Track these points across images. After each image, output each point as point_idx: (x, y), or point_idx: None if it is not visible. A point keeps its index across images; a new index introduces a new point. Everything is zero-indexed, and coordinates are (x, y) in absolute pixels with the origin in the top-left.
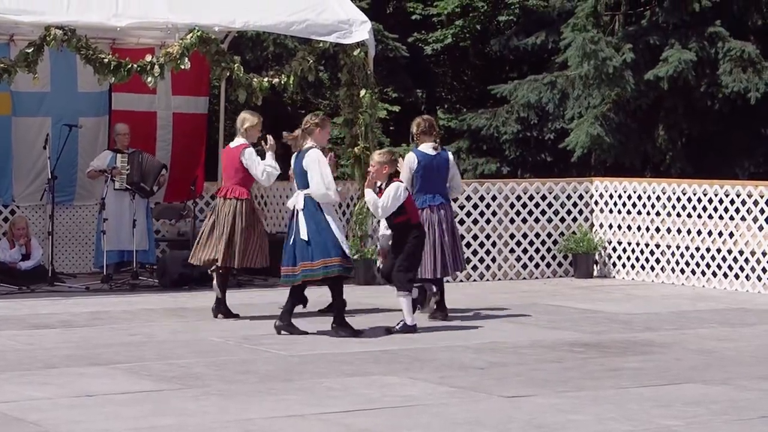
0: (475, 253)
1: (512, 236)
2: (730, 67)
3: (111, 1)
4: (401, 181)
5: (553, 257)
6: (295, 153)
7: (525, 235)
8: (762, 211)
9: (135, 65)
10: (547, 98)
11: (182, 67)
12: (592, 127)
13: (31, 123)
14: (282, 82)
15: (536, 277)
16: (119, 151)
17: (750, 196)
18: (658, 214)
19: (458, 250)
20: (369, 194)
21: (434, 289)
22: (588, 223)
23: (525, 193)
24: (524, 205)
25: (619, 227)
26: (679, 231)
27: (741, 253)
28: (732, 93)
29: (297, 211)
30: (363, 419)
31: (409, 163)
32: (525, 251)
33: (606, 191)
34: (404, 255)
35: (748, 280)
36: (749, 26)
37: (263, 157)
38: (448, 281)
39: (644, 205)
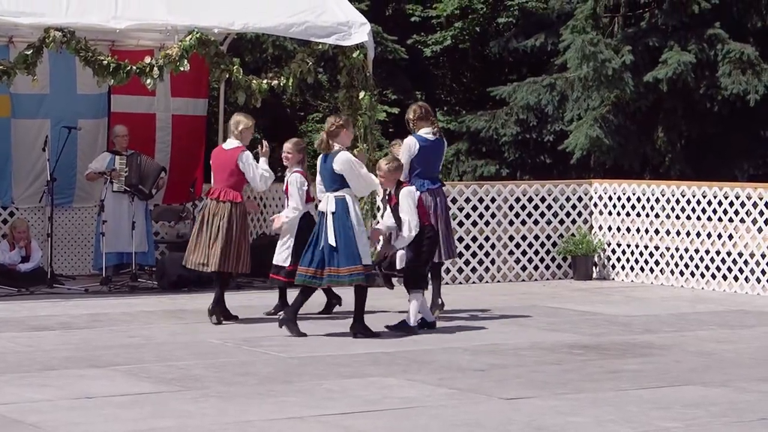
0: (474, 255)
1: (511, 238)
2: (730, 69)
3: (110, 3)
4: (409, 184)
5: (553, 259)
6: (321, 155)
7: (524, 237)
8: (761, 213)
9: (134, 67)
10: (547, 100)
11: (181, 69)
12: (591, 129)
13: (31, 125)
14: (281, 84)
15: (535, 279)
16: (118, 153)
17: (749, 198)
18: (657, 216)
19: (451, 237)
20: (389, 220)
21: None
22: (587, 225)
23: (524, 195)
24: (523, 207)
25: (619, 229)
26: (678, 233)
27: (740, 255)
28: (731, 95)
29: (326, 214)
30: (362, 421)
31: (409, 147)
32: (524, 253)
33: (605, 193)
34: (417, 256)
35: (747, 282)
36: (748, 28)
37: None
38: (447, 283)
39: (643, 207)
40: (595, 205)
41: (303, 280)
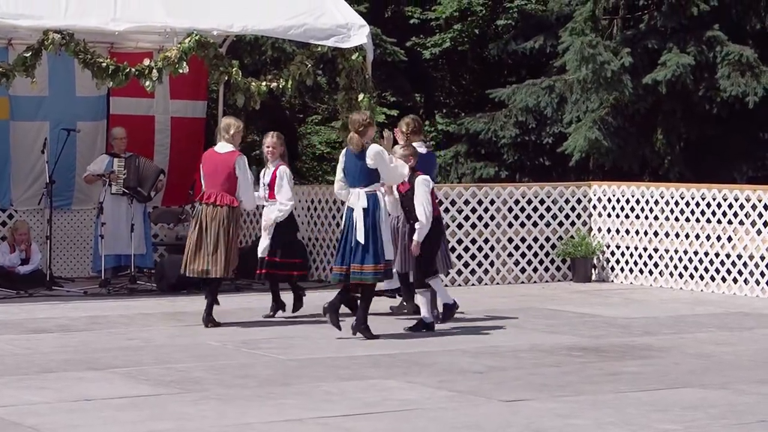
0: (473, 257)
1: (510, 240)
2: (729, 71)
3: (109, 5)
4: (421, 173)
5: (552, 261)
6: (344, 150)
7: (523, 239)
8: (760, 215)
9: (133, 69)
10: (546, 102)
11: (180, 71)
12: (590, 131)
13: (29, 127)
14: (280, 86)
15: (534, 282)
16: (116, 156)
17: (748, 200)
18: (656, 218)
19: (447, 250)
20: (393, 210)
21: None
22: (586, 227)
23: (523, 197)
24: (522, 209)
25: (618, 231)
26: (677, 235)
27: (739, 257)
28: (730, 97)
29: (356, 210)
30: (361, 423)
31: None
32: (523, 255)
33: (604, 195)
34: (426, 253)
35: (746, 284)
36: (747, 30)
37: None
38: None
39: (642, 209)
40: (594, 207)
41: (338, 279)
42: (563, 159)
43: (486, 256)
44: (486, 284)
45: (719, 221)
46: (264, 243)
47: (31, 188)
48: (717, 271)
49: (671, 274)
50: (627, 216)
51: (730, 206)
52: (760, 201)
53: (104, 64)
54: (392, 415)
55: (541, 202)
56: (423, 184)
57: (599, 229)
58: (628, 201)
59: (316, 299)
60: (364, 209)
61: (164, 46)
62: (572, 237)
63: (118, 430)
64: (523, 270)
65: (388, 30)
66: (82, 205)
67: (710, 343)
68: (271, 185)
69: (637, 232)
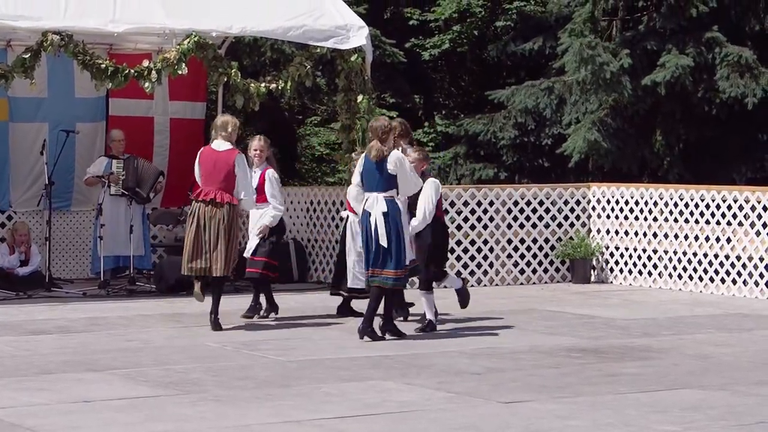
0: (472, 258)
1: (510, 242)
2: (728, 73)
3: (108, 6)
4: (431, 177)
5: (551, 263)
6: (362, 155)
7: (522, 241)
8: (759, 217)
9: (132, 71)
10: (545, 104)
11: (179, 72)
12: (589, 132)
13: (28, 129)
14: (279, 88)
15: (534, 283)
16: (115, 157)
17: (747, 201)
18: (655, 219)
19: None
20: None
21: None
22: (585, 228)
23: (522, 199)
24: (521, 211)
25: (617, 233)
26: (676, 236)
27: (738, 258)
28: (729, 98)
29: (375, 214)
30: (360, 425)
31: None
32: (522, 257)
33: (603, 197)
34: (433, 253)
35: (745, 285)
36: (746, 32)
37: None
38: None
39: (641, 211)
40: (593, 208)
41: (367, 283)
42: (562, 160)
43: (485, 258)
44: (485, 285)
45: (718, 222)
46: (253, 244)
47: (30, 190)
48: (716, 272)
49: (670, 276)
50: (626, 217)
51: (729, 207)
52: (759, 202)
53: (103, 66)
54: (391, 417)
55: (540, 203)
56: (431, 186)
57: (598, 231)
58: (627, 202)
59: (316, 300)
60: (384, 213)
61: (163, 47)
62: (571, 238)
63: (116, 431)
64: (522, 271)
65: (388, 31)
66: (81, 207)
67: (709, 344)
68: (258, 189)
69: (636, 234)
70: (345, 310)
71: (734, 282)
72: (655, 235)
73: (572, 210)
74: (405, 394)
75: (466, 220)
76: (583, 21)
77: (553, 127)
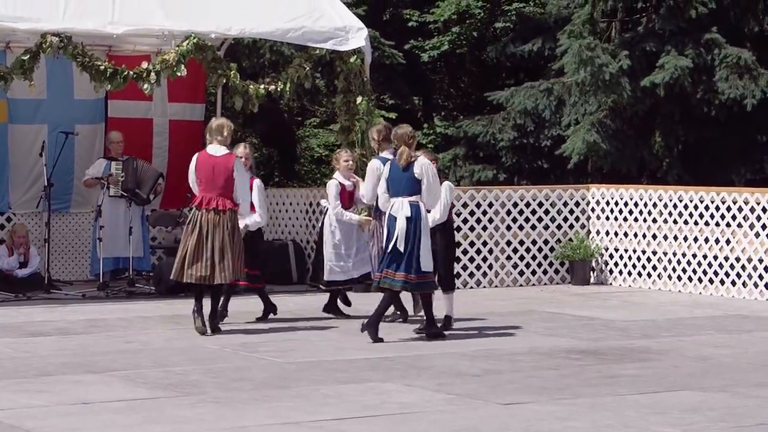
0: (471, 260)
1: (509, 243)
2: (727, 74)
3: (107, 8)
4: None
5: (550, 264)
6: (389, 162)
7: (522, 242)
8: (758, 218)
9: (131, 72)
10: (544, 105)
11: (178, 74)
12: (588, 133)
13: (28, 130)
14: (278, 89)
15: (533, 284)
16: (114, 159)
17: (746, 202)
18: (654, 221)
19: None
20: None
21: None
22: (584, 230)
23: (521, 200)
24: (521, 212)
25: (616, 234)
26: (675, 238)
27: (737, 259)
28: (728, 100)
29: (399, 218)
30: (359, 427)
31: (378, 170)
32: (522, 258)
33: (602, 198)
34: (445, 254)
35: (744, 287)
36: (745, 33)
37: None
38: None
39: (641, 212)
40: (593, 209)
41: (389, 284)
42: (561, 162)
43: (484, 259)
44: (484, 287)
45: (717, 224)
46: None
47: (30, 191)
48: (715, 273)
49: (669, 277)
50: (625, 219)
51: (728, 209)
52: (758, 204)
53: (102, 67)
54: (390, 419)
55: (540, 204)
56: (448, 188)
57: (597, 232)
58: (626, 204)
59: (315, 302)
60: (407, 218)
61: (162, 49)
62: (570, 240)
63: None
64: (521, 273)
65: (387, 33)
66: (80, 208)
67: (709, 345)
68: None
69: (635, 235)
70: (332, 308)
71: (734, 283)
72: (654, 236)
73: (571, 211)
74: (405, 396)
75: (465, 221)
76: (582, 22)
77: (553, 128)
